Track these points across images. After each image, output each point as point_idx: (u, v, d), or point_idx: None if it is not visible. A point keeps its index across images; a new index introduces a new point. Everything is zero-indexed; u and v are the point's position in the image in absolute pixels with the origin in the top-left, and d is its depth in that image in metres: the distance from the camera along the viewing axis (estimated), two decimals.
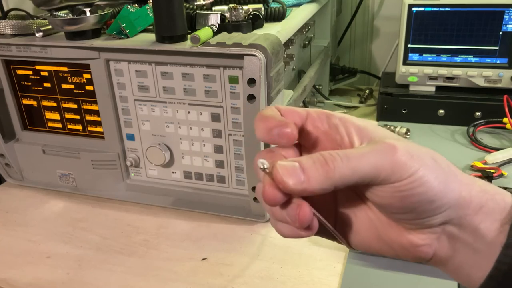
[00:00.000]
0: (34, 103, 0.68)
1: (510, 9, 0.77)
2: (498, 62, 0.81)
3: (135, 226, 0.63)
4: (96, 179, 0.69)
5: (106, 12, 0.61)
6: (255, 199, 0.59)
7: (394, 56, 0.93)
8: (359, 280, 0.51)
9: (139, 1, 0.67)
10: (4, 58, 0.65)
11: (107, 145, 0.66)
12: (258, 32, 0.58)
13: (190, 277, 0.53)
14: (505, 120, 0.78)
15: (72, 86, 0.64)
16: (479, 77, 0.82)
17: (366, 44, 1.16)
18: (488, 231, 0.27)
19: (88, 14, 0.61)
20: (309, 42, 0.89)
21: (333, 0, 0.96)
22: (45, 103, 0.67)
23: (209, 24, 0.59)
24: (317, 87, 0.95)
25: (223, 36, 0.55)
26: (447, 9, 0.80)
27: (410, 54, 0.85)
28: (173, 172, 0.66)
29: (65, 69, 0.63)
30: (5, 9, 0.81)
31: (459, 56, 0.83)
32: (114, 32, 0.59)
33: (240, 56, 0.52)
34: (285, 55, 0.72)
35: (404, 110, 0.87)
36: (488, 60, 0.81)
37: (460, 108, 0.84)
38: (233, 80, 0.56)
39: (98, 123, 0.66)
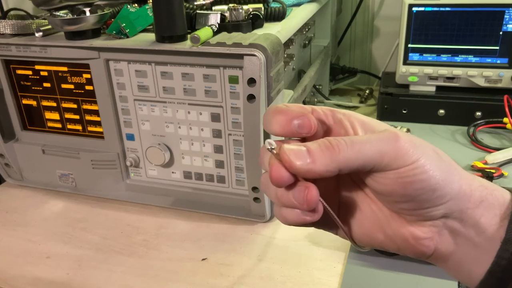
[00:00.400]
0: (34, 103, 0.68)
1: (510, 9, 0.77)
2: (498, 62, 0.81)
3: (135, 226, 0.63)
4: (96, 179, 0.69)
5: (106, 12, 0.61)
6: (255, 199, 0.59)
7: (394, 56, 0.93)
8: (359, 280, 0.50)
9: (139, 1, 0.67)
10: (4, 58, 0.65)
11: (107, 145, 0.66)
12: (258, 32, 0.58)
13: (190, 277, 0.53)
14: (505, 120, 0.78)
15: (71, 86, 0.64)
16: (479, 77, 0.82)
17: (366, 44, 1.16)
18: (488, 226, 0.27)
19: (87, 14, 0.61)
20: (309, 42, 0.89)
21: (333, 0, 0.96)
22: (44, 103, 0.67)
23: (209, 24, 0.59)
24: (317, 87, 0.95)
25: (223, 36, 0.55)
26: (447, 9, 0.80)
27: (410, 54, 0.85)
28: (173, 172, 0.66)
29: (65, 69, 0.63)
30: (5, 9, 0.81)
31: (459, 56, 0.83)
32: (114, 32, 0.59)
33: (240, 56, 0.52)
34: (285, 55, 0.72)
35: (404, 110, 0.87)
36: (489, 60, 0.81)
37: (460, 108, 0.83)
38: (233, 80, 0.56)
39: (98, 123, 0.66)
